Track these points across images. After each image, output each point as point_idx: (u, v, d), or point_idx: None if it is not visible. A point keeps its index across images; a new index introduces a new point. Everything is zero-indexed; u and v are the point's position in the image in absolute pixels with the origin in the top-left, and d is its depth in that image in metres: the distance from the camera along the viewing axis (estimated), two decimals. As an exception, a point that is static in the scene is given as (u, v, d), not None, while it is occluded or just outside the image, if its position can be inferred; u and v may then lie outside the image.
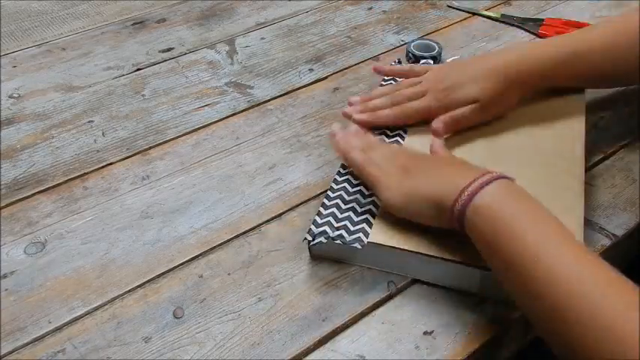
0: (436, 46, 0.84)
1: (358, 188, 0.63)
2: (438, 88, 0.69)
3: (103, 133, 0.75)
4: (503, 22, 0.94)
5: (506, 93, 0.68)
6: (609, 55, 0.69)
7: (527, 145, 0.67)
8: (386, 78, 0.78)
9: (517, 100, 0.70)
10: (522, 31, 0.93)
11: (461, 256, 0.56)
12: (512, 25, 0.94)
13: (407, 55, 0.85)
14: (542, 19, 0.93)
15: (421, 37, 0.89)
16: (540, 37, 0.91)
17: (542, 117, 0.70)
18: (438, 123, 0.67)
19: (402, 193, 0.57)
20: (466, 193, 0.52)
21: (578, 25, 0.92)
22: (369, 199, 0.61)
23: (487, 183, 0.52)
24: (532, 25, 0.93)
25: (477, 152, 0.66)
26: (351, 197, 0.62)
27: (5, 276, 0.59)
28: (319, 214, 0.60)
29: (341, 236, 0.58)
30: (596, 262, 0.48)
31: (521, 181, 0.54)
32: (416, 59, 0.83)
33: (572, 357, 0.47)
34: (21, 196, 0.67)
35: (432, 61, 0.82)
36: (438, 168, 0.58)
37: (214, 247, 0.62)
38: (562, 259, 0.47)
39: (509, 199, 0.52)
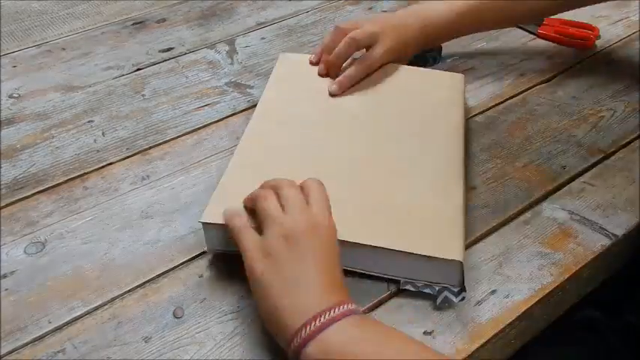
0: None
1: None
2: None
3: (103, 133, 0.75)
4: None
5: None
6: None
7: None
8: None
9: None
10: (521, 30, 0.93)
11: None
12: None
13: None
14: (542, 19, 0.93)
15: None
16: (540, 37, 0.91)
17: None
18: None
19: (256, 275, 0.51)
20: (307, 331, 0.47)
21: (578, 25, 0.93)
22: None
23: (330, 323, 0.47)
24: (532, 25, 0.93)
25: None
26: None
27: (5, 276, 0.59)
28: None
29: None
30: None
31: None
32: (415, 59, 0.83)
33: None
34: (21, 196, 0.67)
35: (431, 60, 0.83)
36: (296, 286, 0.50)
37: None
38: None
39: (361, 338, 0.48)
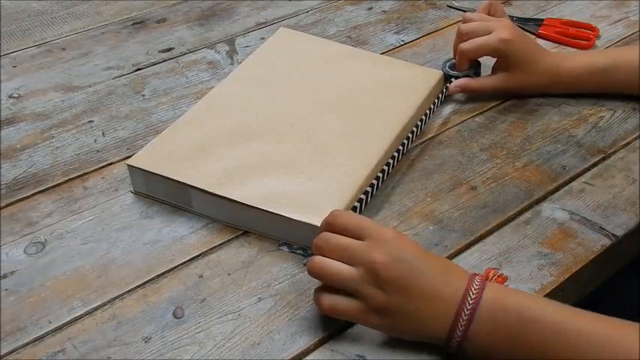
0: (473, 69, 0.80)
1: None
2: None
3: (103, 133, 0.75)
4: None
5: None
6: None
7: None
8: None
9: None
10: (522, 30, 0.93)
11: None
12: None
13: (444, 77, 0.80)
14: (542, 20, 0.93)
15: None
16: (539, 37, 0.91)
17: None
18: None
19: (384, 327, 0.53)
20: (460, 327, 0.49)
21: (578, 25, 0.92)
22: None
23: (476, 304, 0.49)
24: (532, 25, 0.93)
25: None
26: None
27: (5, 276, 0.59)
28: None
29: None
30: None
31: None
32: (447, 78, 0.80)
33: None
34: (21, 196, 0.67)
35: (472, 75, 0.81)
36: (423, 305, 0.51)
37: (214, 247, 0.62)
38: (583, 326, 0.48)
39: (511, 302, 0.50)
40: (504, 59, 0.77)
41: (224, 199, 0.61)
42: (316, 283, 0.58)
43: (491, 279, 0.56)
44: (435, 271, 0.51)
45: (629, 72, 0.76)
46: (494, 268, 0.59)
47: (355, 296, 0.51)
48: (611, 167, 0.71)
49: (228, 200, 0.61)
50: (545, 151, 0.73)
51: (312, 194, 0.62)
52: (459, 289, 0.50)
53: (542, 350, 0.48)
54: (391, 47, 0.89)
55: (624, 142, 0.75)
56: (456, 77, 0.79)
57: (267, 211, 0.60)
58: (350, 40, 0.91)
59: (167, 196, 0.65)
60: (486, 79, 0.79)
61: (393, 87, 0.76)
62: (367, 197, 0.64)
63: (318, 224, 0.57)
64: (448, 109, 0.79)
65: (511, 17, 0.94)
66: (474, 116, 0.78)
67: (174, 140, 0.67)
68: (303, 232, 0.60)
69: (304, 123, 0.70)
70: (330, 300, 0.52)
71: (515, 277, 0.59)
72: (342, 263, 0.51)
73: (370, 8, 0.98)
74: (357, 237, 0.52)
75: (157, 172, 0.63)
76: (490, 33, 0.76)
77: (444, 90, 0.77)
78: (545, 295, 0.58)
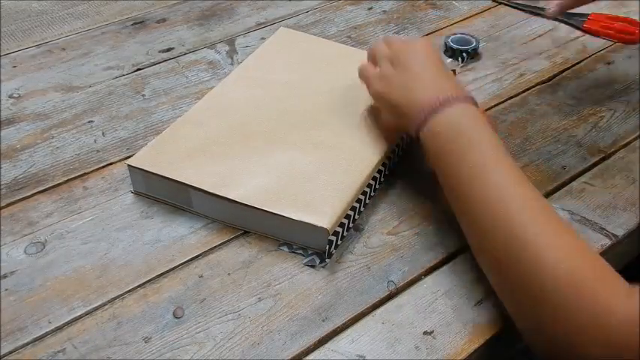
0: (473, 40, 0.88)
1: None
2: None
3: (103, 133, 0.75)
4: (545, 16, 0.95)
5: None
6: None
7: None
8: None
9: None
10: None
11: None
12: (557, 19, 0.94)
13: (444, 49, 0.88)
14: (588, 14, 0.94)
15: (462, 33, 0.90)
16: (584, 31, 0.92)
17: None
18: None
19: (376, 93, 0.66)
20: (425, 111, 0.59)
21: (623, 20, 0.93)
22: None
23: (448, 104, 0.58)
24: (577, 20, 0.94)
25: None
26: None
27: (5, 276, 0.59)
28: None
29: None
30: (535, 195, 0.54)
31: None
32: (453, 52, 0.87)
33: (497, 278, 0.54)
34: (21, 196, 0.67)
35: (465, 55, 0.86)
36: (412, 83, 0.62)
37: (214, 247, 0.62)
38: (505, 182, 0.54)
39: (468, 120, 0.58)
40: None
41: (224, 199, 0.61)
42: (314, 284, 0.58)
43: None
44: (438, 70, 0.63)
45: None
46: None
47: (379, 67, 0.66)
48: (611, 167, 0.71)
49: (228, 200, 0.61)
50: (545, 151, 0.73)
51: (312, 194, 0.62)
52: (446, 89, 0.60)
53: (459, 175, 0.57)
54: (391, 47, 0.89)
55: (624, 142, 0.75)
56: (459, 50, 0.86)
57: (267, 212, 0.60)
58: (350, 40, 0.91)
59: (167, 196, 0.65)
60: None
61: None
62: (365, 197, 0.64)
63: (319, 224, 0.58)
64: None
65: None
66: (474, 116, 0.78)
67: (174, 140, 0.67)
68: (303, 232, 0.60)
69: (304, 123, 0.70)
70: (365, 64, 0.69)
71: (515, 277, 0.59)
72: (386, 47, 0.68)
73: (370, 8, 0.98)
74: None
75: (157, 173, 0.63)
76: None
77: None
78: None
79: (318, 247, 0.61)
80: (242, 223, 0.63)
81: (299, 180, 0.63)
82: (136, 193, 0.66)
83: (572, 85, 0.84)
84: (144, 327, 0.55)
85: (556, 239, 0.50)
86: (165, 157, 0.65)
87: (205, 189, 0.61)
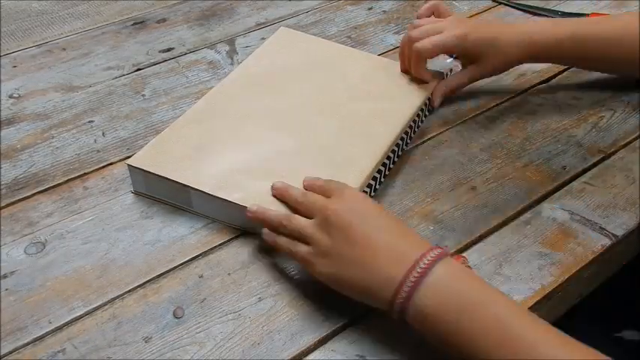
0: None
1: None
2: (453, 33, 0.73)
3: (103, 133, 0.75)
4: (548, 17, 0.95)
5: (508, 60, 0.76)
6: (609, 42, 0.76)
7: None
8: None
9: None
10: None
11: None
12: (555, 18, 0.94)
13: None
14: (587, 14, 0.94)
15: None
16: None
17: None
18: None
19: (325, 276, 0.54)
20: (405, 288, 0.49)
21: None
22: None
23: (427, 271, 0.49)
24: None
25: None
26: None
27: (5, 276, 0.59)
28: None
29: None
30: (562, 338, 0.47)
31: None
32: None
33: None
34: (21, 196, 0.67)
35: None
36: (369, 257, 0.52)
37: (214, 247, 0.62)
38: (527, 330, 0.47)
39: (463, 283, 0.50)
40: (466, 53, 0.75)
41: (224, 201, 0.61)
42: (315, 284, 0.58)
43: (451, 256, 0.54)
44: (390, 229, 0.53)
45: (598, 43, 0.76)
46: (461, 255, 0.60)
47: (308, 242, 0.55)
48: (611, 167, 0.71)
49: (226, 202, 0.61)
50: (545, 151, 0.73)
51: None
52: (411, 253, 0.51)
53: (475, 345, 0.47)
54: (391, 47, 0.89)
55: (624, 142, 0.75)
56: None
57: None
58: (350, 40, 0.91)
59: (167, 196, 0.65)
60: (459, 75, 0.77)
61: (392, 88, 0.76)
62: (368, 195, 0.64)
63: None
64: (448, 109, 0.79)
65: (556, 12, 0.95)
66: (474, 116, 0.78)
67: (174, 140, 0.67)
68: None
69: (304, 123, 0.70)
70: (285, 242, 0.56)
71: (515, 276, 0.59)
72: (304, 219, 0.56)
73: (370, 8, 0.98)
74: (327, 196, 0.57)
75: (157, 173, 0.63)
76: (441, 32, 0.73)
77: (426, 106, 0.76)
78: (545, 296, 0.58)
79: None
80: (242, 223, 0.62)
81: (300, 181, 0.63)
82: (136, 193, 0.66)
83: (572, 85, 0.84)
84: (144, 327, 0.55)
85: None
86: (166, 157, 0.65)
87: (205, 191, 0.61)
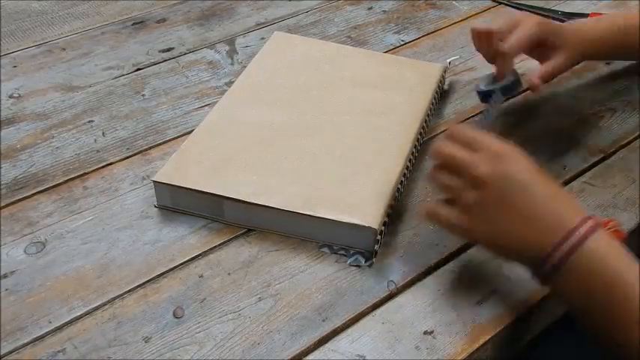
0: (512, 77, 0.72)
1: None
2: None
3: (103, 133, 0.75)
4: (548, 17, 0.95)
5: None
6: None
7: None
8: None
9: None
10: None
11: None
12: (557, 19, 0.93)
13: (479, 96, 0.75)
14: (587, 14, 0.94)
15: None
16: None
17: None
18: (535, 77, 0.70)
19: (486, 238, 0.54)
20: (557, 255, 0.50)
21: None
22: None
23: (583, 239, 0.50)
24: (577, 19, 0.93)
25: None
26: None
27: (5, 276, 0.59)
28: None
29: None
30: None
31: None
32: (484, 95, 0.73)
33: None
34: (21, 196, 0.67)
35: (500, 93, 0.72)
36: (526, 219, 0.52)
37: (214, 247, 0.62)
38: None
39: (613, 258, 0.51)
40: (548, 39, 0.71)
41: (262, 207, 0.61)
42: (315, 284, 0.58)
43: (608, 229, 0.56)
44: (548, 192, 0.53)
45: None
46: (613, 219, 0.61)
47: (457, 205, 0.54)
48: (611, 167, 0.71)
49: (266, 208, 0.61)
50: (545, 151, 0.73)
51: (350, 195, 0.62)
52: (567, 220, 0.51)
53: (617, 323, 0.49)
54: (391, 47, 0.89)
55: (624, 142, 0.75)
56: (502, 88, 0.71)
57: (310, 216, 0.60)
58: (350, 40, 0.91)
59: (196, 208, 0.64)
60: (552, 62, 0.72)
61: (400, 83, 0.76)
62: (399, 194, 0.65)
63: (364, 224, 0.59)
64: (449, 109, 0.79)
65: (556, 12, 0.95)
66: (473, 116, 0.78)
67: (197, 153, 0.66)
68: (346, 232, 0.60)
69: (323, 125, 0.70)
70: (433, 208, 0.57)
71: (516, 277, 0.59)
72: (451, 176, 0.55)
73: (370, 8, 0.98)
74: (474, 149, 0.54)
75: (189, 187, 0.62)
76: (517, 27, 0.70)
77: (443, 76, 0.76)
78: (545, 296, 0.58)
79: (363, 247, 0.61)
80: (279, 228, 0.62)
81: (334, 181, 0.63)
82: (160, 207, 0.65)
83: (572, 85, 0.84)
84: (144, 327, 0.55)
85: None
86: (192, 170, 0.64)
87: (243, 199, 0.61)
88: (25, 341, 0.54)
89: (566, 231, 0.50)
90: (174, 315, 0.56)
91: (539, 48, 0.71)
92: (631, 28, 0.76)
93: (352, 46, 0.89)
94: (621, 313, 0.49)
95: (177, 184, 0.63)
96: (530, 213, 0.52)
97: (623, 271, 0.50)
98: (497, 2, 0.99)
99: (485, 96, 0.72)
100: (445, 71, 0.80)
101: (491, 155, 0.54)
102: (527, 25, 0.69)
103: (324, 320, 0.55)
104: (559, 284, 0.51)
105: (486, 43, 0.72)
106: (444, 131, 0.75)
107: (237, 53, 0.88)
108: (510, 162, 0.53)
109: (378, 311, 0.56)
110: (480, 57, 0.79)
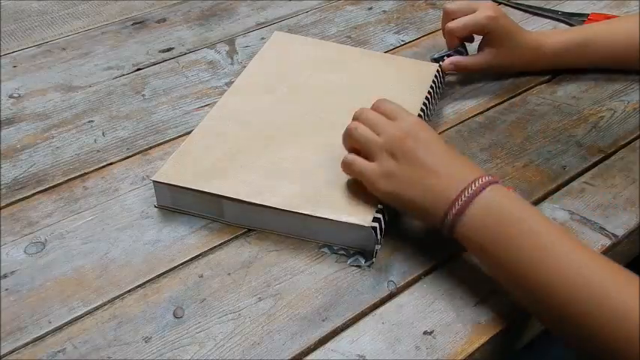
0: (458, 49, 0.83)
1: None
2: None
3: (103, 133, 0.75)
4: (548, 17, 0.95)
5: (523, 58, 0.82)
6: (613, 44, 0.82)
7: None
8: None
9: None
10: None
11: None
12: (557, 19, 0.96)
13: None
14: (587, 14, 0.94)
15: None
16: None
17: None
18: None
19: (386, 194, 0.59)
20: (457, 204, 0.55)
21: None
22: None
23: (478, 192, 0.55)
24: (576, 20, 0.94)
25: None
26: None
27: (5, 276, 0.59)
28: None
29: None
30: (600, 257, 0.52)
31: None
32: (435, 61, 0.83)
33: (588, 348, 0.51)
34: (21, 196, 0.67)
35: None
36: (429, 179, 0.57)
37: (214, 247, 0.62)
38: (570, 255, 0.51)
39: (508, 202, 0.55)
40: (490, 36, 0.80)
41: (262, 207, 0.61)
42: (315, 284, 0.58)
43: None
44: (447, 156, 0.58)
45: (603, 46, 0.82)
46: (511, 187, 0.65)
47: (372, 160, 0.59)
48: (611, 167, 0.71)
49: (265, 208, 0.61)
50: (545, 151, 0.73)
51: (350, 195, 0.62)
52: (467, 176, 0.56)
53: (510, 254, 0.53)
54: (391, 47, 0.90)
55: (624, 142, 0.75)
56: (446, 56, 0.82)
57: (310, 216, 0.60)
58: (350, 40, 0.91)
59: (196, 208, 0.64)
60: (475, 57, 0.82)
61: (399, 82, 0.76)
62: None
63: (364, 224, 0.59)
64: (448, 109, 0.79)
65: (556, 12, 0.95)
66: (474, 116, 0.78)
67: (196, 153, 0.66)
68: (346, 232, 0.60)
69: (322, 124, 0.70)
70: (351, 158, 0.61)
71: (515, 277, 0.59)
72: (370, 131, 0.60)
73: (370, 8, 0.98)
74: (390, 118, 0.61)
75: (188, 186, 0.62)
76: (475, 12, 0.79)
77: (440, 74, 0.79)
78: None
79: (363, 247, 0.61)
80: (279, 228, 0.62)
81: (334, 181, 0.63)
82: (160, 207, 0.65)
83: (572, 85, 0.84)
84: (144, 327, 0.55)
85: None
86: (192, 170, 0.64)
87: (242, 199, 0.61)
88: (25, 341, 0.54)
89: (467, 182, 0.55)
90: (174, 315, 0.56)
91: (485, 36, 0.80)
92: (588, 42, 0.82)
93: (352, 46, 0.89)
94: (518, 247, 0.53)
95: (177, 184, 0.63)
96: (435, 167, 0.57)
97: (518, 211, 0.54)
98: (497, 2, 0.99)
99: (435, 61, 0.82)
100: (444, 70, 0.80)
101: (405, 122, 0.60)
102: (481, 14, 0.78)
103: (324, 320, 0.55)
104: (462, 230, 0.55)
105: (445, 20, 0.82)
106: (444, 131, 0.76)
107: (237, 53, 0.88)
108: (421, 127, 0.60)
109: (378, 311, 0.56)
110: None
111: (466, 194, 0.55)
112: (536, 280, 0.51)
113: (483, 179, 0.55)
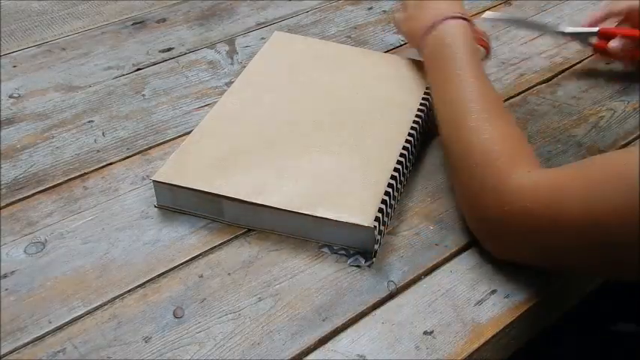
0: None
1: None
2: None
3: (103, 133, 0.75)
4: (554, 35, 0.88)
5: None
6: None
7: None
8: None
9: None
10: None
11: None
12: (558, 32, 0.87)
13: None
14: (596, 32, 0.83)
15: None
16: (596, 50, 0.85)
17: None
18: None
19: (403, 23, 0.79)
20: (423, 31, 0.71)
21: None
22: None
23: (439, 23, 0.70)
24: (583, 37, 0.85)
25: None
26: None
27: (5, 276, 0.59)
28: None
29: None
30: (489, 99, 0.64)
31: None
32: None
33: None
34: (21, 196, 0.67)
35: None
36: (420, 8, 0.75)
37: (214, 247, 0.62)
38: (470, 87, 0.64)
39: (453, 37, 0.69)
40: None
41: (261, 206, 0.61)
42: (314, 284, 0.58)
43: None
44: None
45: None
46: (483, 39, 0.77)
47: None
48: (611, 167, 0.71)
49: (265, 207, 0.61)
50: (545, 151, 0.73)
51: (350, 194, 0.62)
52: (444, 10, 0.71)
53: (434, 73, 0.70)
54: (391, 47, 0.89)
55: (624, 142, 0.75)
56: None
57: (310, 215, 0.60)
58: (350, 40, 0.91)
59: (196, 208, 0.64)
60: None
61: (400, 82, 0.77)
62: (399, 194, 0.65)
63: (364, 224, 0.58)
64: (448, 109, 0.79)
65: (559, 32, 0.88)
66: (474, 116, 0.78)
67: (196, 152, 0.66)
68: (346, 232, 0.60)
69: (323, 125, 0.70)
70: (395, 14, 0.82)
71: (516, 277, 0.59)
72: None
73: (370, 8, 0.98)
74: None
75: (188, 186, 0.62)
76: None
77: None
78: (546, 296, 0.58)
79: (363, 247, 0.61)
80: (279, 228, 0.62)
81: (334, 181, 0.63)
82: (160, 207, 0.65)
83: (572, 85, 0.84)
84: (144, 327, 0.55)
85: (494, 130, 0.60)
86: (192, 169, 0.64)
87: (241, 198, 0.61)
88: (25, 341, 0.54)
89: (443, 17, 0.70)
90: (174, 315, 0.56)
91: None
92: None
93: (352, 46, 0.89)
94: (445, 71, 0.67)
95: (176, 184, 0.63)
96: (428, 3, 0.74)
97: (453, 38, 0.69)
98: (493, 20, 0.97)
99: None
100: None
101: None
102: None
103: (324, 320, 0.55)
104: (424, 52, 0.72)
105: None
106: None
107: (237, 53, 0.88)
108: None
109: (378, 311, 0.57)
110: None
111: (431, 23, 0.70)
112: (450, 96, 0.65)
113: (448, 15, 0.70)
